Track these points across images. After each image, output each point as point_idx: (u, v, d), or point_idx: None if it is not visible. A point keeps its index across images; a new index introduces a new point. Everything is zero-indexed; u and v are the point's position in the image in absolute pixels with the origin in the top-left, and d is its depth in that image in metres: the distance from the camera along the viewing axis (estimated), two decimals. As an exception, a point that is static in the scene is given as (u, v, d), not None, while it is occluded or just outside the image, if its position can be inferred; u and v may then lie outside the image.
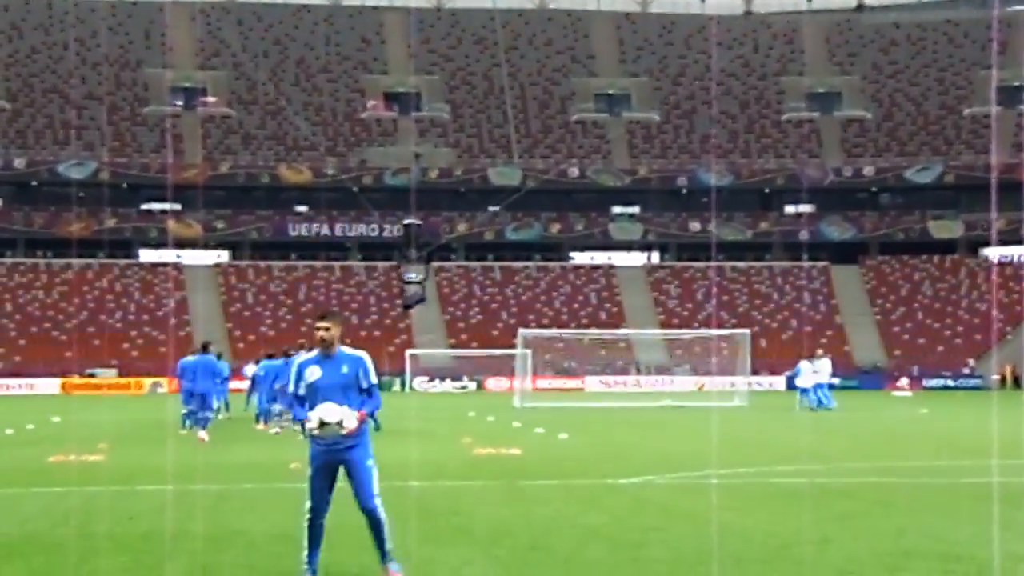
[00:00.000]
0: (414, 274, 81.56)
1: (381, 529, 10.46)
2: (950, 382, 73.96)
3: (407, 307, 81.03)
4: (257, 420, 33.11)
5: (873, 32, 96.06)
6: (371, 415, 10.72)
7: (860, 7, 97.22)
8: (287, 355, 33.66)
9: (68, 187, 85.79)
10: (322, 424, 10.18)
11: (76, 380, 70.77)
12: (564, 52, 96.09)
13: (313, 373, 10.56)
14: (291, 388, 10.93)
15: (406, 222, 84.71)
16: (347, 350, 10.70)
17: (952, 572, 11.33)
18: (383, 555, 10.47)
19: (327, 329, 10.57)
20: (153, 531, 13.81)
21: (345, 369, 10.53)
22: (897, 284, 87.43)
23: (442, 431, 31.65)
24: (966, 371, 75.92)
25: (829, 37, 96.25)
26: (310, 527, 10.54)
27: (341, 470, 10.60)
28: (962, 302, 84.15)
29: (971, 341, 79.45)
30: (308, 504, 10.59)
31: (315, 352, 10.77)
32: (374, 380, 10.61)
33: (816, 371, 47.07)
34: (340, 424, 10.10)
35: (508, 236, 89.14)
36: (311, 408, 10.47)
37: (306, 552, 10.55)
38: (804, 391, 46.88)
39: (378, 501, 10.49)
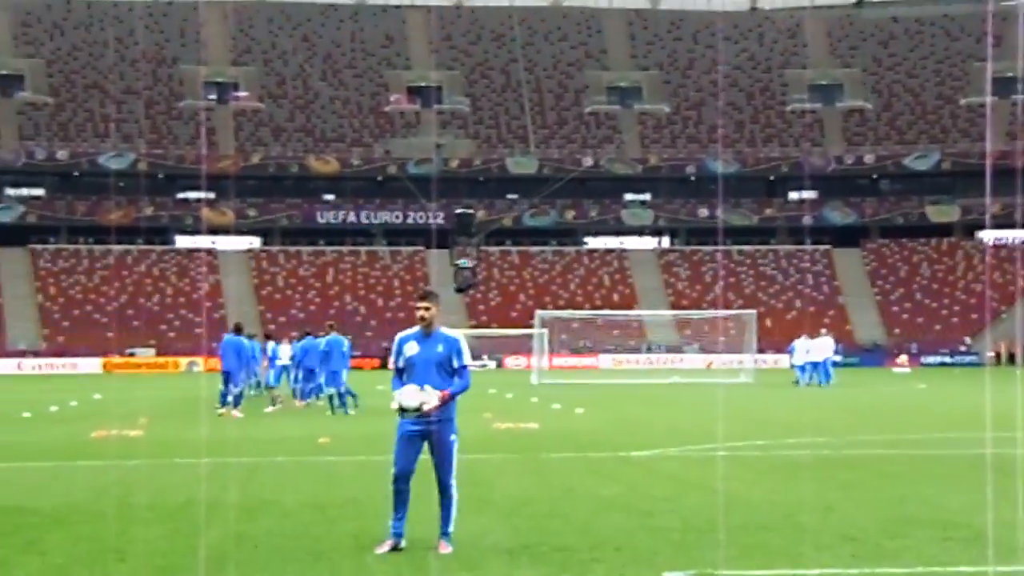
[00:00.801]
0: (467, 260, 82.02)
1: (451, 506, 10.59)
2: (947, 359, 73.82)
3: (459, 291, 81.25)
4: (294, 396, 32.94)
5: (872, 26, 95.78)
6: (455, 395, 10.69)
7: (860, 3, 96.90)
8: (309, 335, 33.77)
9: (108, 177, 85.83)
10: (402, 409, 10.35)
11: (116, 359, 70.93)
12: (578, 47, 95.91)
13: (411, 348, 10.66)
14: (391, 361, 11.00)
15: (458, 211, 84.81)
16: (445, 330, 10.78)
17: (949, 539, 11.35)
18: (444, 531, 10.57)
19: (427, 309, 10.65)
20: (190, 501, 13.87)
21: (440, 348, 10.61)
22: (896, 266, 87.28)
23: (464, 406, 31.62)
24: (962, 348, 75.79)
25: (830, 31, 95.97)
26: (396, 493, 10.57)
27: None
28: (958, 283, 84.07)
29: (967, 320, 79.33)
30: (393, 471, 10.62)
31: (416, 328, 10.79)
32: (466, 361, 10.70)
33: (808, 350, 47.07)
34: (419, 408, 10.22)
35: (525, 222, 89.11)
36: (406, 381, 10.56)
37: (392, 517, 10.60)
38: (800, 368, 46.89)
39: (454, 480, 10.62)
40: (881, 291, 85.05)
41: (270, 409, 30.14)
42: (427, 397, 10.24)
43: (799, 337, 49.10)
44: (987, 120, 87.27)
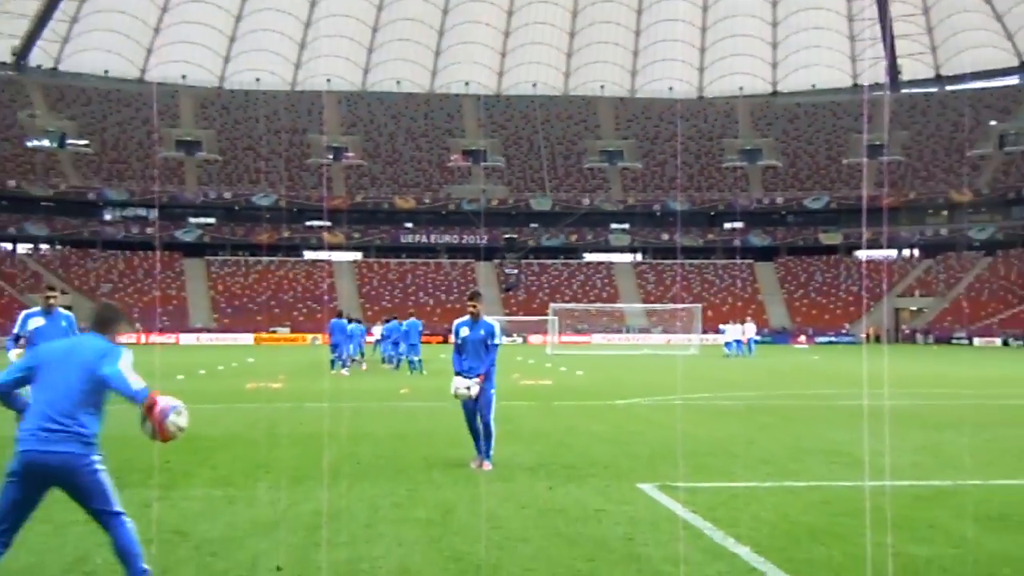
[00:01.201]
0: (514, 269, 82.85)
1: (491, 437, 10.82)
2: (833, 339, 73.49)
3: (507, 290, 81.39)
4: (383, 362, 32.89)
5: (782, 109, 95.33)
6: (488, 370, 10.83)
7: (775, 93, 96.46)
8: (395, 319, 33.85)
9: (259, 211, 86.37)
10: (456, 394, 10.69)
11: (264, 335, 71.26)
12: (579, 122, 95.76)
13: (464, 331, 10.99)
14: (452, 340, 11.26)
15: (506, 236, 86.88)
16: (486, 319, 11.06)
17: (834, 463, 11.31)
18: (486, 453, 10.75)
19: (474, 305, 11.02)
20: (314, 432, 13.90)
21: (483, 331, 10.87)
22: (798, 274, 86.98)
23: (499, 369, 31.97)
24: (844, 331, 75.43)
25: (753, 112, 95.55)
26: (469, 428, 10.92)
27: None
28: (841, 286, 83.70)
29: (847, 312, 78.99)
30: (465, 420, 10.96)
31: (467, 317, 11.04)
32: (496, 341, 10.96)
33: (737, 330, 47.16)
34: (468, 390, 10.59)
35: (543, 243, 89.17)
36: (461, 354, 10.97)
37: (474, 444, 10.94)
38: (727, 344, 46.93)
39: (492, 418, 10.83)
40: (788, 291, 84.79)
41: (346, 372, 29.92)
42: (470, 383, 10.62)
43: (727, 323, 49.94)
44: (863, 174, 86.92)
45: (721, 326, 50.10)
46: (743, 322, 47.93)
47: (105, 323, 5.92)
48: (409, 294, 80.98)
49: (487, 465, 10.59)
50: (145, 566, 5.57)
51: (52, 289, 10.75)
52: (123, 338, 5.93)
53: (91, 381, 5.48)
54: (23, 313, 10.56)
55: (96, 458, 5.50)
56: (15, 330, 10.41)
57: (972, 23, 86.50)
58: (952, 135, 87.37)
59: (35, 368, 5.56)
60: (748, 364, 38.29)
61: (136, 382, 5.49)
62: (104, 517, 5.51)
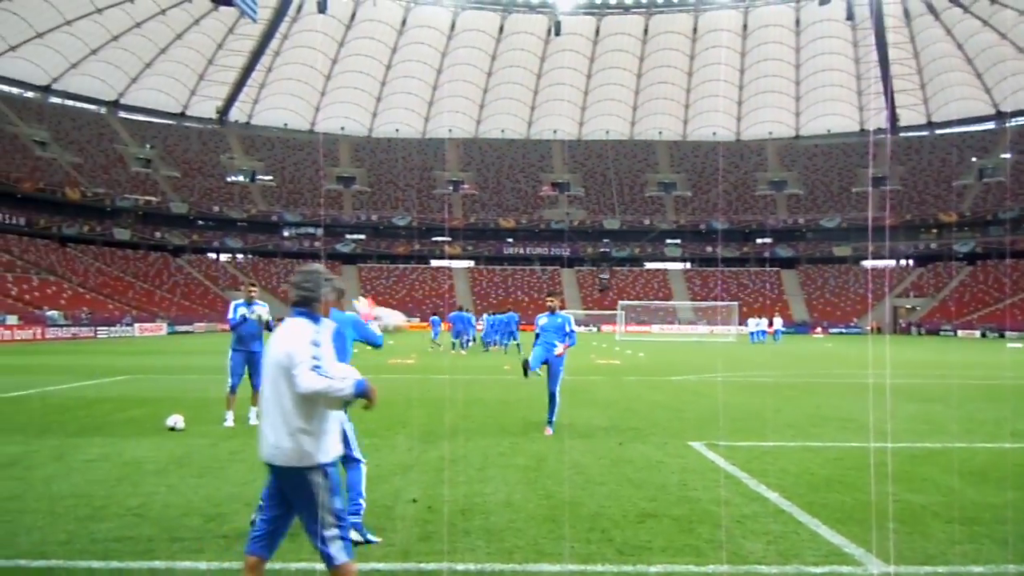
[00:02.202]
0: (606, 275, 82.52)
1: (555, 407, 10.38)
2: (844, 330, 71.54)
3: (601, 290, 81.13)
4: (485, 347, 33.02)
5: (803, 149, 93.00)
6: (570, 346, 10.50)
7: (798, 136, 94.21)
8: (498, 313, 33.96)
9: (398, 229, 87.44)
10: (524, 372, 10.39)
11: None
12: (642, 160, 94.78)
13: (543, 320, 10.73)
14: (535, 330, 10.90)
15: (602, 250, 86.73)
16: (561, 311, 10.76)
17: (846, 428, 11.04)
18: (550, 420, 10.40)
19: (551, 301, 10.77)
20: (439, 398, 14.07)
21: (559, 320, 10.60)
22: (816, 279, 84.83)
23: (579, 351, 32.00)
24: (852, 324, 73.42)
25: (780, 151, 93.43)
26: (526, 370, 10.51)
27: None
28: (850, 288, 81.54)
29: (855, 309, 76.87)
30: (531, 360, 10.62)
31: (547, 311, 10.81)
32: (572, 329, 10.55)
33: (758, 324, 46.61)
34: (537, 373, 10.63)
35: (613, 254, 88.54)
36: (539, 342, 10.56)
37: (530, 358, 10.58)
38: (752, 334, 46.27)
39: (558, 390, 10.37)
40: (807, 293, 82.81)
41: (464, 352, 30.05)
42: (559, 350, 10.32)
43: (751, 318, 49.24)
44: (868, 200, 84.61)
45: (748, 320, 49.35)
46: (770, 317, 47.19)
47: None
48: (510, 293, 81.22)
49: (549, 431, 10.21)
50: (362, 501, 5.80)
51: (253, 285, 11.15)
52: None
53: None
54: (233, 303, 10.98)
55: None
56: (230, 315, 10.82)
57: (957, 80, 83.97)
58: (941, 169, 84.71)
59: None
60: (775, 350, 37.56)
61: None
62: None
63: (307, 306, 4.20)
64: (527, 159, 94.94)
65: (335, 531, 3.99)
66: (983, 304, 71.71)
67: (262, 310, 10.77)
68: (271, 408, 4.06)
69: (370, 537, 5.68)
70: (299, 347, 4.01)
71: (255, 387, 10.74)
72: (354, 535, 5.41)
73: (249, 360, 10.70)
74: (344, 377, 4.08)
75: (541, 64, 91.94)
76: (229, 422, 10.55)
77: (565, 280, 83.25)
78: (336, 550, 3.98)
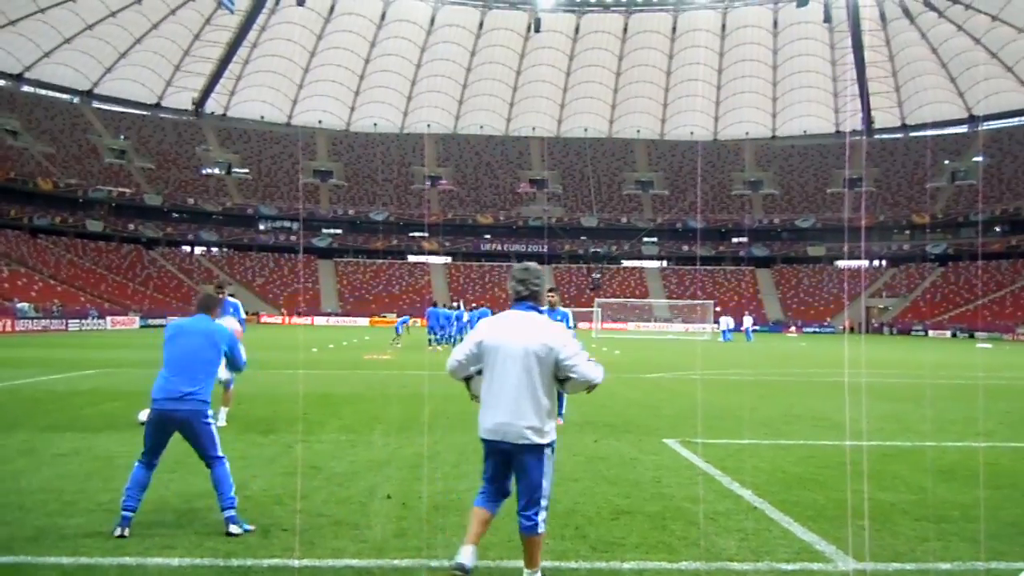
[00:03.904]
0: (598, 274, 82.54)
1: (562, 400, 10.45)
2: (818, 330, 72.23)
3: (592, 288, 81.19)
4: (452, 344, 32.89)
5: (779, 150, 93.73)
6: None
7: (774, 137, 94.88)
8: (474, 308, 33.88)
9: (375, 224, 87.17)
10: None
11: (376, 318, 71.97)
12: (620, 159, 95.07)
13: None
14: None
15: (593, 250, 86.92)
16: (561, 308, 10.55)
17: (819, 426, 11.14)
18: (559, 412, 10.47)
19: (552, 295, 10.44)
20: (415, 393, 14.03)
21: (558, 318, 10.32)
22: (791, 278, 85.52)
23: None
24: (826, 324, 74.13)
25: (756, 152, 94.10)
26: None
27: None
28: (824, 287, 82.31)
29: (828, 309, 77.61)
30: None
31: (546, 307, 10.69)
32: (571, 326, 10.40)
33: (727, 323, 46.82)
34: None
35: (591, 251, 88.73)
36: None
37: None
38: (723, 333, 46.54)
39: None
40: (782, 292, 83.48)
41: (440, 348, 29.90)
42: None
43: (721, 317, 49.77)
44: (843, 201, 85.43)
45: (721, 318, 49.59)
46: (740, 316, 47.43)
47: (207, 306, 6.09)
48: (487, 289, 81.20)
49: (559, 420, 10.35)
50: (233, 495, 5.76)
51: (220, 288, 10.89)
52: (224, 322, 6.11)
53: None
54: None
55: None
56: None
57: (931, 83, 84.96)
58: (914, 171, 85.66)
59: None
60: (749, 348, 37.78)
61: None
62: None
63: (535, 300, 4.69)
64: (505, 155, 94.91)
65: (546, 502, 4.50)
66: (954, 305, 72.60)
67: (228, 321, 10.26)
68: (518, 392, 4.44)
69: (247, 527, 5.69)
70: (567, 339, 4.56)
71: (226, 385, 10.62)
72: (234, 528, 5.56)
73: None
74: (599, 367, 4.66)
75: (521, 60, 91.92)
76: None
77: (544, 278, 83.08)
78: (542, 519, 4.47)
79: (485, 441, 4.56)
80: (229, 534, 5.53)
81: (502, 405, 4.46)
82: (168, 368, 5.73)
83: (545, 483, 4.47)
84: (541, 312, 4.69)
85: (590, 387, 4.66)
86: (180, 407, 5.64)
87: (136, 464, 5.74)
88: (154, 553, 5.20)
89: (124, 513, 5.52)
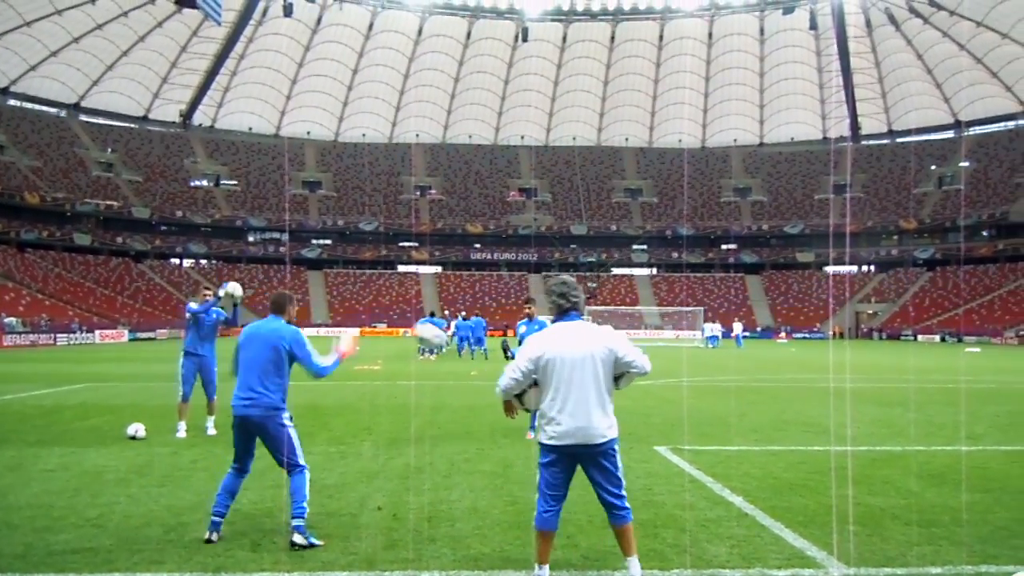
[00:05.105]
0: (593, 283, 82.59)
1: (535, 415, 10.29)
2: (807, 335, 72.40)
3: (589, 298, 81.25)
4: (459, 353, 32.77)
5: (768, 157, 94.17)
6: None
7: (762, 144, 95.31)
8: (466, 317, 33.87)
9: (364, 234, 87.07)
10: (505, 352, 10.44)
11: (367, 329, 71.77)
12: (609, 166, 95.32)
13: (522, 329, 10.64)
14: (517, 334, 10.93)
15: (590, 260, 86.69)
16: (541, 318, 10.63)
17: (809, 431, 11.17)
18: (532, 425, 10.26)
19: (530, 308, 10.58)
20: (404, 404, 14.00)
21: (536, 328, 10.40)
22: (780, 284, 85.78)
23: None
24: (815, 329, 74.33)
25: (744, 159, 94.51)
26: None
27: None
28: (813, 293, 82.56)
29: (817, 314, 77.84)
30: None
31: (524, 318, 10.74)
32: None
33: (713, 329, 47.32)
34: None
35: (581, 259, 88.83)
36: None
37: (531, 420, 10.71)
38: (709, 338, 46.97)
39: None
40: (771, 298, 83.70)
41: (434, 357, 29.73)
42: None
43: (706, 323, 50.21)
44: (830, 207, 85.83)
45: (705, 325, 50.04)
46: (728, 321, 47.68)
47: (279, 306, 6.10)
48: (477, 299, 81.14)
49: (530, 435, 10.33)
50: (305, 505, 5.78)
51: (208, 289, 11.02)
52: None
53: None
54: (189, 303, 10.84)
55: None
56: (192, 306, 10.64)
57: (917, 89, 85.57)
58: (901, 177, 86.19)
59: None
60: (739, 354, 37.86)
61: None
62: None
63: (579, 310, 5.11)
64: (494, 164, 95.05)
65: (624, 492, 4.90)
66: (942, 309, 72.95)
67: (234, 289, 10.14)
68: (588, 395, 4.81)
69: (313, 540, 5.67)
70: (622, 338, 5.03)
71: (209, 396, 10.56)
72: (298, 538, 5.57)
73: (201, 366, 10.45)
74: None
75: (508, 70, 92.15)
76: (181, 432, 10.24)
77: (533, 286, 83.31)
78: (628, 507, 4.90)
79: (556, 448, 4.81)
80: (292, 544, 5.55)
81: (577, 411, 4.78)
82: (239, 372, 5.83)
83: (622, 477, 4.94)
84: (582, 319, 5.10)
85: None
86: (251, 410, 5.71)
87: (228, 471, 5.85)
88: (143, 568, 5.17)
89: (213, 518, 5.69)
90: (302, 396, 15.26)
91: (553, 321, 5.13)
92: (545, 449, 4.87)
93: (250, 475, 6.01)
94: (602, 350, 4.90)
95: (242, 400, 5.74)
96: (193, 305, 10.57)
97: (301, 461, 5.79)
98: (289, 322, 6.06)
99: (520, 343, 10.90)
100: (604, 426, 4.84)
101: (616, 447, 4.90)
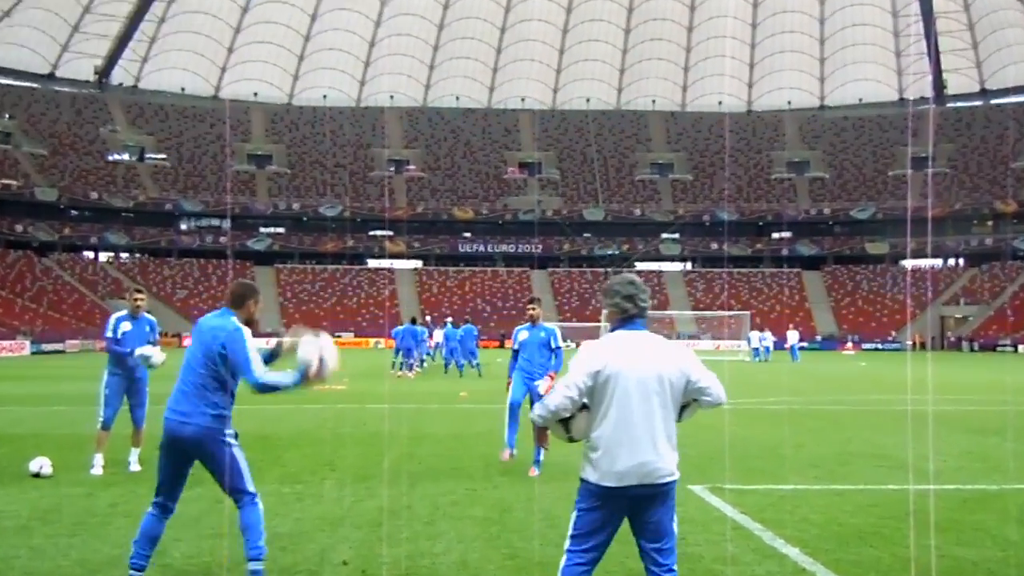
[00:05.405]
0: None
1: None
2: (879, 346, 72.48)
3: None
4: (445, 368, 32.51)
5: (830, 122, 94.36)
6: (556, 371, 10.56)
7: (822, 107, 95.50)
8: (455, 325, 33.81)
9: (325, 221, 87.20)
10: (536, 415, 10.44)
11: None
12: (631, 136, 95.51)
13: (523, 335, 10.83)
14: (512, 345, 11.03)
15: (610, 252, 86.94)
16: (545, 323, 10.89)
17: (881, 466, 11.17)
18: (537, 459, 10.44)
19: (534, 309, 10.83)
20: (376, 432, 13.99)
21: (543, 334, 10.75)
22: (845, 283, 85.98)
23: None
24: (890, 338, 74.40)
25: (801, 125, 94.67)
26: (509, 417, 10.85)
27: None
28: (887, 295, 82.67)
29: (893, 319, 77.98)
30: (509, 400, 10.89)
31: (527, 322, 10.90)
32: (559, 344, 10.74)
33: (762, 339, 48.03)
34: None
35: (597, 252, 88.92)
36: (519, 357, 10.82)
37: (507, 434, 10.86)
38: (755, 351, 47.49)
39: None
40: (834, 299, 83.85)
41: (412, 374, 29.47)
42: (541, 383, 10.13)
43: (752, 331, 50.43)
44: (908, 185, 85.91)
45: (751, 333, 50.23)
46: (780, 329, 47.93)
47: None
48: (467, 301, 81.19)
49: (534, 471, 10.35)
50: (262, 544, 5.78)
51: (140, 292, 10.56)
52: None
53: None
54: (113, 317, 10.39)
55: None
56: (108, 334, 10.22)
57: (1017, 39, 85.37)
58: (997, 147, 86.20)
59: None
60: (795, 369, 37.85)
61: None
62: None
63: (645, 318, 5.12)
64: (488, 134, 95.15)
65: (675, 549, 4.89)
66: (1050, 313, 72.96)
67: (151, 351, 10.08)
68: (653, 423, 4.81)
69: None
70: (698, 361, 5.01)
71: (137, 422, 10.48)
72: None
73: (131, 387, 10.39)
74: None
75: (506, 16, 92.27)
76: (97, 468, 10.14)
77: (536, 284, 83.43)
78: (676, 571, 4.84)
79: (608, 489, 4.71)
80: None
81: (639, 443, 4.73)
82: (178, 378, 5.81)
83: (677, 522, 4.94)
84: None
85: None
86: (184, 428, 5.65)
87: (148, 510, 5.77)
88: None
89: (131, 573, 5.60)
90: (248, 422, 15.22)
91: (612, 330, 5.05)
92: (591, 489, 4.75)
93: (184, 521, 6.01)
94: (673, 370, 4.89)
95: (174, 413, 5.71)
96: (110, 331, 10.27)
97: (250, 488, 5.76)
98: (248, 322, 6.02)
99: (514, 354, 10.95)
100: (671, 461, 4.85)
101: (675, 489, 4.89)
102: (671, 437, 4.88)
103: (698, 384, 4.96)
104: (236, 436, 5.85)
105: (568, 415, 4.81)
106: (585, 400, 4.79)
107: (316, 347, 5.93)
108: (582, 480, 4.80)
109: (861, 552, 7.04)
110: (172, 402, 5.75)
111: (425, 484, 9.70)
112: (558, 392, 4.78)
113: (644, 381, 4.76)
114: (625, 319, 5.05)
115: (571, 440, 4.93)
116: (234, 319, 5.90)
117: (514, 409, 10.84)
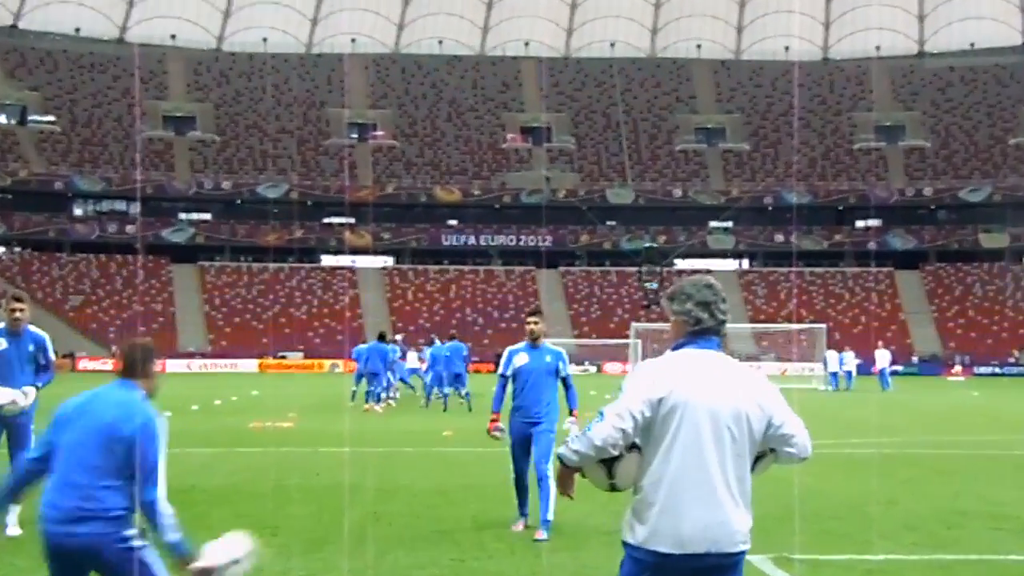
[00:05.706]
0: (654, 283, 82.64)
1: (549, 497, 10.26)
2: (998, 369, 72.45)
3: (647, 307, 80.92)
4: (427, 398, 31.80)
5: (931, 75, 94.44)
6: (576, 408, 10.71)
7: (921, 54, 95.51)
8: (440, 342, 33.75)
9: (265, 204, 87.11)
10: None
11: (270, 361, 71.73)
12: (670, 93, 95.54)
13: (521, 359, 10.64)
14: (499, 370, 10.91)
15: (646, 245, 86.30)
16: (549, 344, 10.83)
17: (1000, 529, 11.17)
18: (543, 518, 10.39)
19: (536, 323, 10.72)
20: (334, 484, 13.98)
21: (548, 359, 10.66)
22: (952, 286, 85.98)
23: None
24: (1011, 360, 74.40)
25: (893, 79, 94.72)
26: (516, 484, 10.79)
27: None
28: (1007, 302, 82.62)
29: (1015, 335, 77.98)
30: (512, 467, 10.86)
31: (524, 342, 10.79)
32: (568, 373, 10.79)
33: (843, 360, 48.03)
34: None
35: (623, 246, 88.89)
36: (515, 387, 10.70)
37: (517, 502, 10.76)
38: (832, 376, 47.50)
39: (550, 469, 10.05)
40: (938, 308, 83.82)
41: (380, 407, 29.45)
42: (573, 428, 9.99)
43: (829, 351, 50.50)
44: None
45: (827, 353, 50.11)
46: (866, 347, 47.84)
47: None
48: (453, 310, 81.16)
49: (541, 534, 10.31)
50: None
51: (19, 300, 10.33)
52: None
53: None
54: None
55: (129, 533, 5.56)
56: None
57: None
58: None
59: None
60: (885, 400, 37.84)
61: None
62: None
63: (721, 335, 4.86)
64: (481, 90, 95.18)
65: None
66: None
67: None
68: (726, 473, 4.61)
69: None
70: (781, 398, 4.77)
71: (17, 468, 10.42)
72: None
73: (10, 429, 10.29)
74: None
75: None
76: None
77: (544, 288, 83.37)
78: None
79: (667, 557, 4.50)
80: None
81: (711, 497, 4.55)
82: (57, 467, 5.66)
83: None
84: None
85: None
86: (76, 532, 5.46)
87: None
88: None
89: None
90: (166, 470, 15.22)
91: (677, 346, 4.81)
92: (639, 558, 4.53)
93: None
94: (753, 407, 4.63)
95: (59, 515, 5.56)
96: None
97: None
98: (150, 395, 5.95)
99: (502, 383, 10.84)
100: (744, 526, 4.62)
101: (743, 561, 4.71)
102: (746, 493, 4.65)
103: (781, 430, 4.67)
104: (143, 533, 5.72)
105: (616, 453, 4.55)
106: (636, 438, 4.56)
107: (226, 550, 5.81)
108: (626, 545, 4.55)
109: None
110: (50, 500, 5.54)
111: (397, 553, 9.69)
112: (608, 422, 4.50)
113: (718, 416, 4.53)
114: (698, 332, 4.73)
115: (612, 489, 4.70)
116: (139, 396, 5.82)
117: (520, 479, 10.76)
